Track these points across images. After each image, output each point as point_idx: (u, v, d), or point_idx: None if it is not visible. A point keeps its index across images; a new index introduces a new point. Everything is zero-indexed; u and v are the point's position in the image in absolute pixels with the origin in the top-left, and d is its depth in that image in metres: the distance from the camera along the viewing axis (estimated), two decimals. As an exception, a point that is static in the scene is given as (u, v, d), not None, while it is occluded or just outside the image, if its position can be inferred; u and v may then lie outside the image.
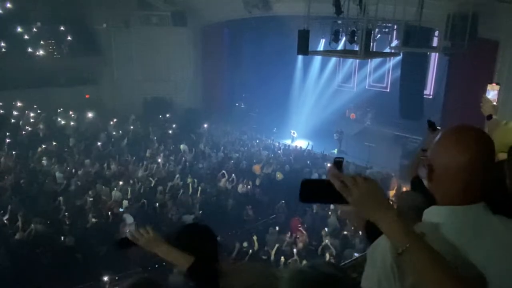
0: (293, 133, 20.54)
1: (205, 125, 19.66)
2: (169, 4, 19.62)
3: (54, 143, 15.28)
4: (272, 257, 9.07)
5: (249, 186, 12.97)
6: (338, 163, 2.71)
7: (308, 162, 16.09)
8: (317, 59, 22.59)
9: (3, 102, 17.29)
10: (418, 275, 1.13)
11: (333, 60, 22.59)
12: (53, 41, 19.31)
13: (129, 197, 11.47)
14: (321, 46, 17.84)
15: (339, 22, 12.40)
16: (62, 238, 9.48)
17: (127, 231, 8.56)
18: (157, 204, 11.35)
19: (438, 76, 19.15)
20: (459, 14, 11.44)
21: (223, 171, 13.67)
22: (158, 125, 19.38)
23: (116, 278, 8.28)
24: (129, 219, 10.17)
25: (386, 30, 13.83)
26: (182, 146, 16.24)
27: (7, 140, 14.42)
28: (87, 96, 20.58)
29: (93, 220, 10.19)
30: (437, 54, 17.25)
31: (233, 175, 13.40)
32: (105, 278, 8.10)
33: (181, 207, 11.39)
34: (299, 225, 10.65)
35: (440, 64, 18.65)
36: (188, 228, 2.38)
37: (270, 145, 18.78)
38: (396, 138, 18.61)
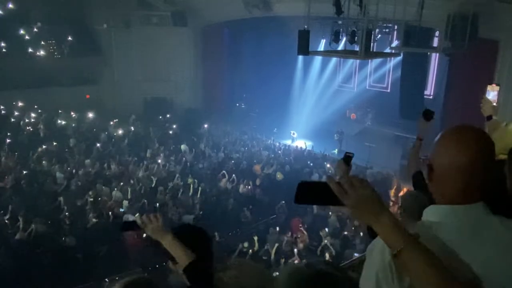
0: (293, 134, 20.54)
1: (205, 125, 19.66)
2: (169, 4, 19.62)
3: (54, 143, 15.29)
4: (272, 257, 9.08)
5: (249, 187, 12.98)
6: (347, 158, 2.71)
7: (309, 162, 16.09)
8: (318, 60, 22.59)
9: (4, 102, 17.30)
10: (413, 277, 1.14)
11: (334, 60, 22.59)
12: (53, 41, 19.32)
13: (129, 197, 11.47)
14: (321, 47, 17.83)
15: (340, 22, 12.41)
16: (63, 238, 9.48)
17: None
18: (158, 204, 11.35)
19: (438, 76, 19.16)
20: (460, 14, 11.44)
21: (224, 171, 13.68)
22: (159, 125, 19.38)
23: (116, 278, 8.27)
24: (131, 219, 10.16)
25: (387, 30, 13.83)
26: (182, 146, 16.25)
27: (8, 140, 14.42)
28: (87, 96, 20.59)
29: (94, 220, 10.19)
30: (437, 54, 17.25)
31: (233, 175, 13.40)
32: (106, 280, 8.11)
33: (181, 207, 11.39)
34: (300, 225, 10.65)
35: (440, 64, 18.65)
36: (182, 229, 2.37)
37: (270, 145, 18.78)
38: (397, 139, 18.61)
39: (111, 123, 18.15)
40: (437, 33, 13.66)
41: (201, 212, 11.37)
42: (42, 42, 18.82)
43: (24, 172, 12.63)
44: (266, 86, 22.15)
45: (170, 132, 18.57)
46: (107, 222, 10.45)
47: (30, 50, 18.35)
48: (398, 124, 18.46)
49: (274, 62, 21.84)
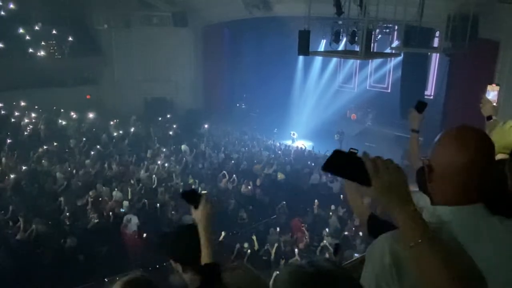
0: (293, 134, 20.54)
1: (206, 126, 19.67)
2: (170, 4, 19.63)
3: (55, 144, 15.30)
4: (272, 256, 9.08)
5: (249, 187, 12.98)
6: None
7: (309, 162, 16.09)
8: (318, 60, 22.60)
9: (4, 103, 17.30)
10: (424, 272, 1.13)
11: (334, 60, 22.60)
12: (54, 42, 19.35)
13: (129, 197, 11.47)
14: (321, 47, 17.83)
15: (340, 22, 12.41)
16: (64, 238, 9.48)
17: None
18: (158, 204, 11.35)
19: (438, 77, 19.16)
20: (460, 14, 11.44)
21: (224, 171, 13.68)
22: (159, 126, 19.39)
23: (117, 278, 8.27)
24: (134, 219, 10.19)
25: (387, 30, 13.83)
26: (183, 147, 16.26)
27: (8, 140, 14.42)
28: (88, 96, 20.62)
29: (94, 220, 10.19)
30: (437, 54, 17.25)
31: (234, 175, 13.41)
32: (106, 280, 8.10)
33: (181, 207, 11.39)
34: (302, 226, 10.65)
35: (440, 65, 18.66)
36: (180, 229, 2.34)
37: (270, 145, 18.78)
38: (397, 139, 18.58)
39: (112, 123, 18.16)
40: (437, 34, 13.66)
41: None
42: (43, 43, 18.84)
43: (25, 172, 12.63)
44: (266, 86, 22.16)
45: (171, 132, 18.58)
46: (107, 223, 10.46)
47: (30, 50, 18.37)
48: (398, 125, 18.45)
49: (275, 62, 21.86)
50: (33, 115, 17.43)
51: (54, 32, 19.20)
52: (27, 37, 18.34)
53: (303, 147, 18.22)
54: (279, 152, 17.59)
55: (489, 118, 2.78)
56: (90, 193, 11.35)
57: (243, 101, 24.05)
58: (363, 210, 2.58)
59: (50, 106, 18.41)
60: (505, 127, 2.01)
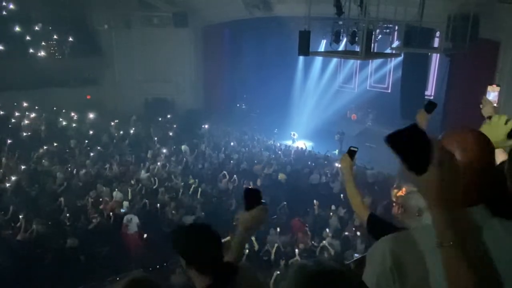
0: (294, 135, 20.54)
1: (206, 126, 19.68)
2: (170, 5, 19.64)
3: (55, 144, 15.31)
4: (272, 257, 9.08)
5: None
6: (351, 152, 2.71)
7: (309, 162, 16.08)
8: (318, 60, 22.60)
9: (5, 103, 17.32)
10: (452, 274, 1.12)
11: (334, 61, 22.59)
12: (54, 42, 19.37)
13: (130, 198, 11.48)
14: (322, 47, 17.84)
15: (340, 23, 12.41)
16: (64, 239, 9.49)
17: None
18: (158, 205, 11.36)
19: (439, 77, 19.15)
20: (460, 14, 11.44)
21: (224, 172, 13.68)
22: (159, 126, 19.40)
23: (117, 278, 8.28)
24: (134, 219, 10.20)
25: (387, 30, 13.83)
26: (183, 147, 16.27)
27: (9, 141, 14.44)
28: (88, 97, 20.62)
29: (94, 220, 10.20)
30: (438, 54, 17.24)
31: (234, 176, 13.40)
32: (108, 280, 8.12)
33: (182, 208, 11.40)
34: (306, 226, 10.64)
35: (441, 65, 18.65)
36: (194, 228, 2.30)
37: (271, 146, 18.78)
38: (397, 139, 18.56)
39: (112, 123, 18.17)
40: (437, 34, 13.66)
41: (202, 213, 11.37)
42: (43, 43, 18.88)
43: (25, 172, 12.64)
44: (266, 86, 22.16)
45: (171, 133, 18.59)
46: (108, 223, 10.47)
47: (31, 50, 18.40)
48: (399, 125, 17.67)
49: (275, 62, 21.87)
50: (33, 115, 17.45)
51: (54, 32, 19.22)
52: (28, 38, 18.37)
53: (305, 147, 18.22)
54: (279, 152, 17.59)
55: (490, 118, 2.78)
56: (91, 193, 11.38)
57: (243, 101, 24.05)
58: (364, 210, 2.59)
59: (50, 107, 18.44)
60: (492, 123, 2.02)
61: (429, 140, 1.05)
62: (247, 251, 9.17)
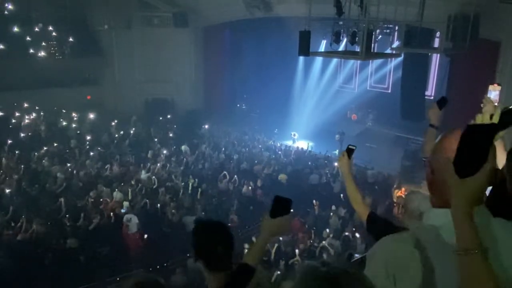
0: (294, 135, 20.54)
1: (206, 126, 19.68)
2: (171, 5, 19.65)
3: (55, 144, 15.31)
4: (272, 257, 9.07)
5: (250, 187, 12.97)
6: (350, 151, 2.73)
7: (310, 163, 16.08)
8: (318, 60, 22.60)
9: (5, 103, 17.33)
10: (469, 282, 1.12)
11: (334, 61, 22.59)
12: (54, 42, 19.36)
13: (130, 198, 11.48)
14: (322, 47, 17.83)
15: (340, 23, 12.40)
16: (64, 239, 9.49)
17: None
18: (159, 205, 11.36)
19: (439, 77, 19.15)
20: (461, 14, 11.43)
21: (225, 172, 13.68)
22: (160, 126, 19.40)
23: (118, 279, 8.29)
24: (134, 219, 10.20)
25: (387, 31, 13.83)
26: (183, 147, 16.27)
27: (9, 141, 14.45)
28: (88, 97, 20.61)
29: (95, 221, 10.20)
30: (438, 55, 17.24)
31: (235, 176, 13.40)
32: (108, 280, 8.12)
33: (182, 208, 11.40)
34: (306, 226, 10.64)
35: (441, 65, 18.65)
36: (206, 224, 2.28)
37: (271, 146, 18.79)
38: (398, 139, 18.59)
39: (112, 123, 18.18)
40: (438, 34, 13.66)
41: (203, 213, 11.37)
42: (43, 43, 18.85)
43: (25, 173, 12.65)
44: (266, 86, 22.16)
45: (171, 133, 18.59)
46: (108, 223, 10.47)
47: (31, 51, 18.37)
48: (399, 125, 18.45)
49: (275, 62, 21.86)
50: (33, 115, 17.45)
51: (54, 32, 19.22)
52: (28, 38, 18.34)
53: (308, 146, 18.22)
54: (280, 152, 17.60)
55: (491, 118, 2.77)
56: (91, 193, 11.38)
57: (244, 102, 24.05)
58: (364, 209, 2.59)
59: (50, 107, 18.44)
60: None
61: (491, 144, 1.02)
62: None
